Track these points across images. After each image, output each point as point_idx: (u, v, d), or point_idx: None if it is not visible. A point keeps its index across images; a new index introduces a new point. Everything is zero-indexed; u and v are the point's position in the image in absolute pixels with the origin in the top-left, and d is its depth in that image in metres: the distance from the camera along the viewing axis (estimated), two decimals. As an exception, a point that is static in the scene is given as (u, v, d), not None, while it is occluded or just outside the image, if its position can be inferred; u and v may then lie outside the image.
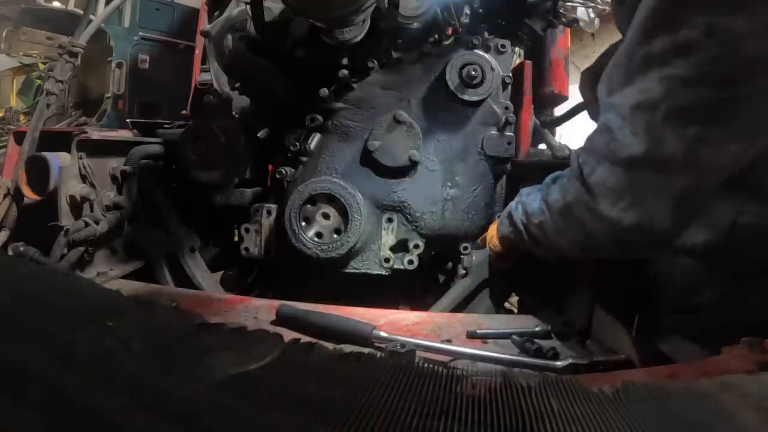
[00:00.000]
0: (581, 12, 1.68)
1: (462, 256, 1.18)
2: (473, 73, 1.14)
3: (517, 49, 1.67)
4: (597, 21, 1.78)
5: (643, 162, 0.62)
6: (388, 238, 1.19)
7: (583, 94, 1.20)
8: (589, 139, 0.71)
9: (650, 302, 0.88)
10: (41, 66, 5.19)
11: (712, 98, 0.56)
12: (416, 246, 1.18)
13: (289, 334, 0.64)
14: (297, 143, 1.22)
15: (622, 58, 0.64)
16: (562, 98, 1.86)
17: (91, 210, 1.19)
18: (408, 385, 0.41)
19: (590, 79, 1.18)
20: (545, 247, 0.85)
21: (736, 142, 0.58)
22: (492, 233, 1.03)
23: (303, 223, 1.16)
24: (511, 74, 1.23)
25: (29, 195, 1.14)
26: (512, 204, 0.94)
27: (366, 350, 0.75)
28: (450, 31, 1.38)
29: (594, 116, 1.17)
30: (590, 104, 1.20)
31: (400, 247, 1.19)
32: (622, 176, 0.64)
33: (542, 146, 1.68)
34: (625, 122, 0.63)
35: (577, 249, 0.77)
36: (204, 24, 1.80)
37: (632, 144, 0.62)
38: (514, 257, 1.03)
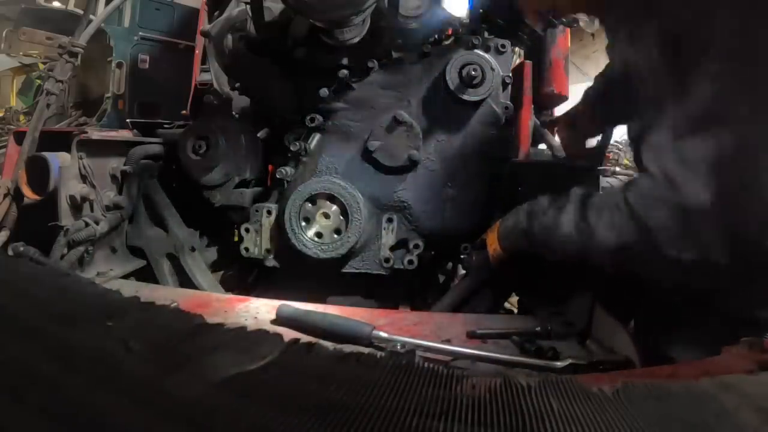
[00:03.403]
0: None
1: (462, 256, 1.18)
2: (473, 73, 1.14)
3: (517, 49, 1.67)
4: (597, 21, 1.78)
5: (719, 217, 0.63)
6: (388, 238, 1.19)
7: (561, 138, 1.25)
8: (645, 181, 0.71)
9: (646, 300, 0.89)
10: (41, 66, 5.19)
11: None
12: (416, 246, 1.18)
13: (289, 334, 0.64)
14: (297, 143, 1.22)
15: (692, 107, 0.65)
16: (562, 98, 1.86)
17: (91, 210, 1.19)
18: (408, 385, 0.41)
19: (568, 124, 1.24)
20: (566, 259, 0.86)
21: None
22: (493, 243, 1.01)
23: (303, 223, 1.16)
24: (511, 74, 1.23)
25: (29, 195, 1.14)
26: (520, 220, 0.93)
27: (366, 350, 0.75)
28: (450, 31, 1.38)
29: (608, 118, 1.18)
30: (568, 149, 1.25)
31: (400, 247, 1.19)
32: (687, 224, 0.65)
33: (542, 146, 1.68)
34: (697, 175, 0.63)
35: (620, 269, 0.79)
36: (204, 24, 1.80)
37: (706, 200, 0.62)
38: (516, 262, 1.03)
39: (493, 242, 1.01)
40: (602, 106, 1.18)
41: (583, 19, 1.03)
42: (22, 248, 0.98)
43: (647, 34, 0.71)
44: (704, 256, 0.65)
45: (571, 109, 1.26)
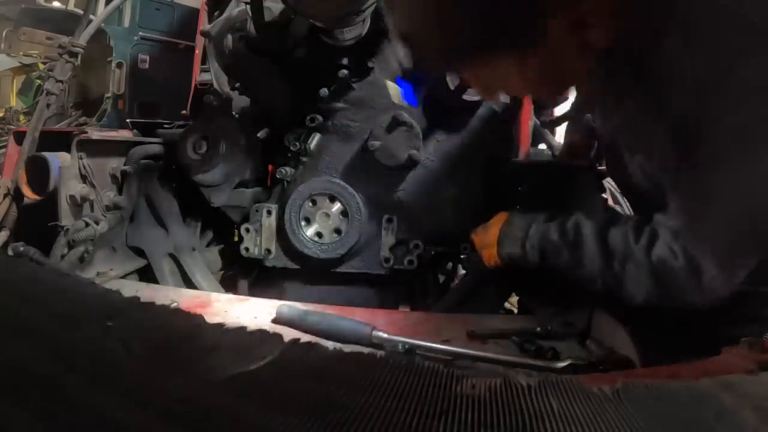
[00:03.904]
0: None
1: (462, 256, 1.18)
2: (473, 73, 1.14)
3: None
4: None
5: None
6: (388, 238, 1.19)
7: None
8: (666, 253, 0.71)
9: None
10: (41, 66, 5.19)
11: None
12: (416, 246, 1.18)
13: (289, 334, 0.64)
14: (297, 143, 1.22)
15: (706, 192, 0.67)
16: (563, 98, 1.86)
17: (92, 210, 1.19)
18: (408, 385, 0.41)
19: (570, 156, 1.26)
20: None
21: None
22: (491, 258, 0.99)
23: (303, 223, 1.16)
24: (511, 74, 1.23)
25: (29, 195, 1.14)
26: (529, 254, 0.90)
27: (366, 350, 0.75)
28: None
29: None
30: None
31: (400, 247, 1.19)
32: (709, 299, 0.71)
33: (542, 146, 1.68)
34: (717, 263, 0.67)
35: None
36: (204, 24, 1.80)
37: (727, 289, 0.69)
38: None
39: (491, 257, 0.99)
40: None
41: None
42: (22, 248, 0.98)
43: (647, 117, 0.72)
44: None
45: (568, 140, 1.28)
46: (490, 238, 0.98)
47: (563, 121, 1.80)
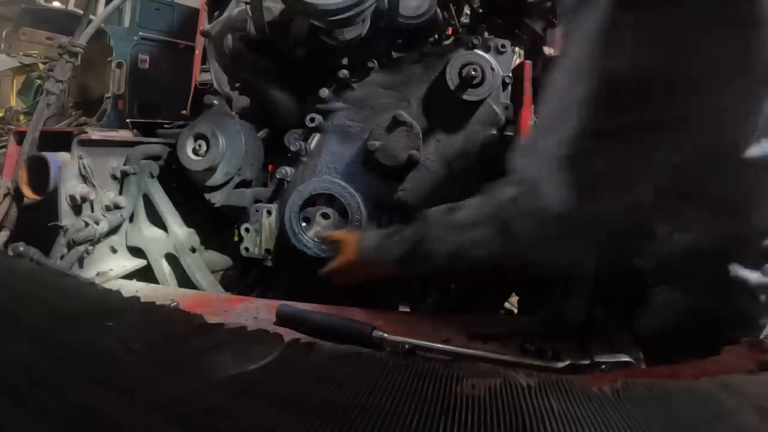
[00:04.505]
0: (581, 12, 1.68)
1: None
2: (473, 73, 1.14)
3: (517, 49, 1.67)
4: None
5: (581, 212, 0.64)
6: (388, 238, 1.18)
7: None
8: (506, 190, 0.70)
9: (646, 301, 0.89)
10: (41, 66, 5.19)
11: None
12: (416, 246, 1.17)
13: (289, 334, 0.64)
14: (297, 143, 1.22)
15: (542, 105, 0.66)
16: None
17: (92, 210, 1.19)
18: (408, 385, 0.41)
19: None
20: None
21: None
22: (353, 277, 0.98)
23: (303, 223, 1.16)
24: (511, 74, 1.23)
25: (29, 195, 1.14)
26: (386, 247, 0.90)
27: (366, 350, 0.75)
28: (450, 31, 1.38)
29: None
30: None
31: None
32: (556, 230, 0.67)
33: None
34: (552, 172, 0.63)
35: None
36: (204, 24, 1.80)
37: (564, 198, 0.62)
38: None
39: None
40: None
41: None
42: (22, 248, 0.98)
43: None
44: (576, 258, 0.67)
45: None
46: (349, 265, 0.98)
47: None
